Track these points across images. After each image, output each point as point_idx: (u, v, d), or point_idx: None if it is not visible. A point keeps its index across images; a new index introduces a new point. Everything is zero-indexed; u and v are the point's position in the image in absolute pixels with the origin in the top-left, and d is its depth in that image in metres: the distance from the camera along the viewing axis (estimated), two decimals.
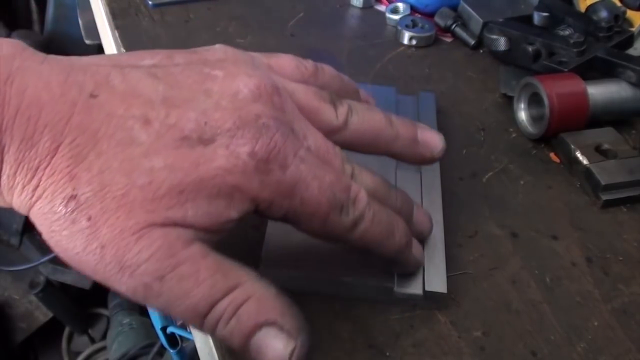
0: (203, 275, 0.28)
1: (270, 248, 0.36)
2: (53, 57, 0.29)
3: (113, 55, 0.31)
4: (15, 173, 0.27)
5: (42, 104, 0.27)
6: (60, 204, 0.27)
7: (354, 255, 0.36)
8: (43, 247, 1.28)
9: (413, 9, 0.62)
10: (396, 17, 0.61)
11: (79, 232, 0.27)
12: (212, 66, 0.31)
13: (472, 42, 0.59)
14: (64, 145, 0.27)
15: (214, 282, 0.28)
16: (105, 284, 0.28)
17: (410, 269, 0.36)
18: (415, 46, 0.58)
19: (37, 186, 0.27)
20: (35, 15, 1.42)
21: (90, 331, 1.38)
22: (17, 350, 1.34)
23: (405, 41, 0.59)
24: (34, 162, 0.27)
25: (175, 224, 0.28)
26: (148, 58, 0.31)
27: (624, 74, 0.50)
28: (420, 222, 0.37)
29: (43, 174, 0.27)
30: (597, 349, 0.35)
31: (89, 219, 0.27)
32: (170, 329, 0.66)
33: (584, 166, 0.45)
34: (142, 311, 1.28)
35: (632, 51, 0.54)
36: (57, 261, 1.26)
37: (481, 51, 0.59)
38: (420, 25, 0.59)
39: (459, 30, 0.60)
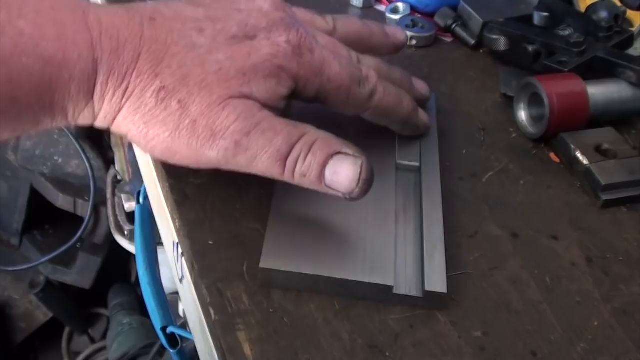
0: (279, 127, 0.35)
1: (270, 248, 0.36)
2: (106, 3, 0.38)
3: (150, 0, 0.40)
4: (107, 79, 0.34)
5: (118, 26, 0.34)
6: (151, 96, 0.34)
7: (354, 255, 0.37)
8: (43, 247, 1.28)
9: (413, 9, 0.62)
10: (396, 17, 0.61)
11: (171, 115, 0.34)
12: None
13: (472, 42, 0.59)
14: (143, 53, 0.34)
15: (289, 130, 0.35)
16: (195, 157, 0.35)
17: (422, 131, 0.44)
18: (415, 46, 0.58)
19: (127, 87, 0.34)
20: None
21: (90, 331, 1.38)
22: (17, 350, 1.35)
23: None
24: (123, 68, 0.34)
25: (247, 97, 0.35)
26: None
27: (624, 74, 0.50)
28: (420, 89, 0.45)
29: (131, 77, 0.34)
30: (597, 349, 0.35)
31: (179, 101, 0.34)
32: (170, 329, 0.66)
33: (584, 166, 0.45)
34: (142, 311, 1.28)
35: (632, 51, 0.54)
36: (56, 261, 1.26)
37: (481, 51, 0.59)
38: (420, 25, 0.59)
39: (459, 30, 0.60)
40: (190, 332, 0.53)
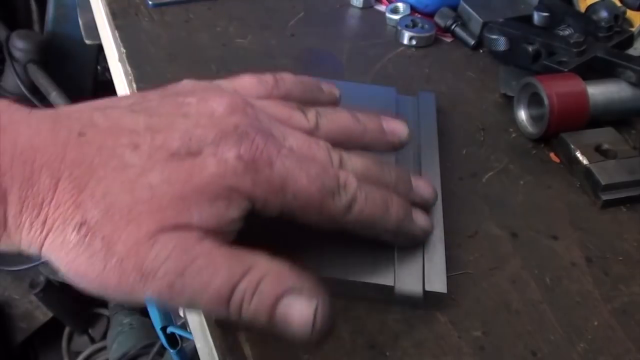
0: (219, 263, 0.29)
1: (270, 247, 0.36)
2: (37, 110, 0.32)
3: (90, 102, 0.34)
4: (20, 211, 0.29)
5: (36, 148, 0.29)
6: (72, 231, 0.29)
7: (354, 255, 0.37)
8: None
9: (413, 9, 0.62)
10: (396, 17, 0.61)
11: (96, 254, 0.29)
12: (184, 95, 0.34)
13: (472, 42, 0.59)
14: (63, 179, 0.29)
15: (231, 267, 0.30)
16: (130, 297, 0.30)
17: (419, 239, 0.38)
18: (415, 46, 0.58)
19: (46, 220, 0.29)
20: (35, 15, 1.42)
21: (90, 331, 1.38)
22: (17, 350, 1.34)
23: (405, 41, 0.59)
24: (38, 199, 0.29)
25: (184, 227, 0.30)
26: (124, 100, 0.34)
27: (624, 74, 0.50)
28: (422, 190, 0.38)
29: (49, 208, 0.29)
30: (597, 349, 0.35)
31: (103, 239, 0.29)
32: (170, 329, 0.66)
33: (584, 166, 0.45)
34: (143, 311, 1.28)
35: (632, 51, 0.54)
36: None
37: (481, 51, 0.59)
38: (420, 25, 0.59)
39: (459, 30, 0.60)
40: (190, 332, 0.53)
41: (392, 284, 0.36)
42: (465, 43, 0.59)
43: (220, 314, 0.30)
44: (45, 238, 0.30)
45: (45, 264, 1.25)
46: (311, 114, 0.36)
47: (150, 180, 0.30)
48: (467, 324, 0.36)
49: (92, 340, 1.37)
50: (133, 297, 0.30)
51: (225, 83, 0.36)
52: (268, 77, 0.37)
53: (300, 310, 0.29)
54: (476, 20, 0.59)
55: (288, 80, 0.38)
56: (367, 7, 0.63)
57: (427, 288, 0.35)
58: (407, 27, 0.59)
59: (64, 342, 1.36)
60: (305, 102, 0.37)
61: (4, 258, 1.29)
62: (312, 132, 0.35)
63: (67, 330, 1.37)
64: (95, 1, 0.64)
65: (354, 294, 0.36)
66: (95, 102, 0.33)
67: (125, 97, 0.34)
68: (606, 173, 0.45)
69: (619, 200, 0.44)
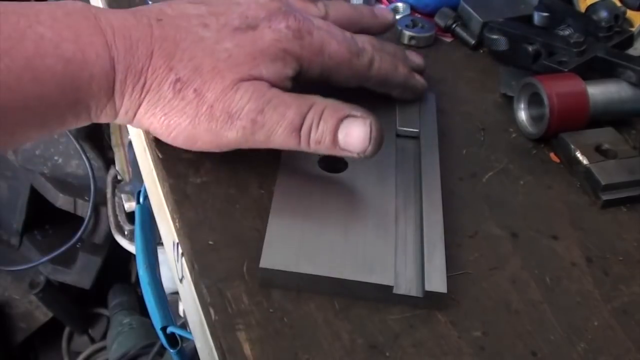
0: (289, 101, 0.38)
1: (270, 247, 0.36)
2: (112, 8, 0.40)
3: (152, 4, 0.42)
4: (125, 77, 0.36)
5: (129, 27, 0.37)
6: (168, 88, 0.37)
7: (354, 255, 0.37)
8: (43, 247, 1.28)
9: (413, 9, 0.62)
10: (396, 17, 0.61)
11: (189, 104, 0.37)
12: None
13: (472, 42, 0.59)
14: (156, 50, 0.37)
15: (299, 102, 0.38)
16: (216, 140, 0.38)
17: (421, 92, 0.47)
18: (415, 46, 0.58)
19: (145, 83, 0.37)
20: None
21: (90, 331, 1.38)
22: (17, 350, 1.35)
23: (405, 41, 0.59)
24: (138, 65, 0.37)
25: (256, 79, 0.38)
26: None
27: (624, 74, 0.50)
28: (413, 59, 0.48)
29: (147, 72, 0.37)
30: (597, 349, 0.35)
31: (195, 90, 0.37)
32: (170, 329, 0.66)
33: (584, 166, 0.45)
34: (142, 311, 1.28)
35: (632, 51, 0.54)
36: (56, 261, 1.26)
37: (481, 51, 0.59)
38: (420, 25, 0.59)
39: (459, 30, 0.59)
40: (190, 332, 0.53)
41: (391, 284, 0.36)
42: (465, 43, 0.59)
43: (293, 143, 0.38)
44: (143, 99, 0.37)
45: (46, 264, 1.25)
46: (320, 4, 0.45)
47: (225, 45, 0.38)
48: (467, 324, 0.36)
49: (92, 340, 1.37)
50: (219, 139, 0.37)
51: None
52: None
53: (358, 128, 0.37)
54: (476, 20, 0.59)
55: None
56: None
57: (427, 288, 0.35)
58: (407, 27, 0.59)
59: (64, 342, 1.36)
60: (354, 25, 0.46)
61: (4, 258, 1.29)
62: (324, 18, 0.44)
63: (67, 330, 1.37)
64: (95, 1, 0.64)
65: (354, 294, 0.36)
66: (158, 3, 0.41)
67: None
68: (606, 173, 0.45)
69: (619, 200, 0.44)
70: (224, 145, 0.38)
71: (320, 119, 0.37)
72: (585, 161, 0.45)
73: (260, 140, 0.38)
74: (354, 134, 0.37)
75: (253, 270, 0.36)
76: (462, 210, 0.42)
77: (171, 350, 0.66)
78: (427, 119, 0.47)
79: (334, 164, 0.42)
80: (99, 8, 0.38)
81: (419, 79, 0.47)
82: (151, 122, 0.38)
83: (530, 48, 0.52)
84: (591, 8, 0.54)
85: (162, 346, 0.97)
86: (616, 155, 0.46)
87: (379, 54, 0.43)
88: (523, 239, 0.41)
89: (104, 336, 1.35)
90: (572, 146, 0.46)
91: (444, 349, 0.34)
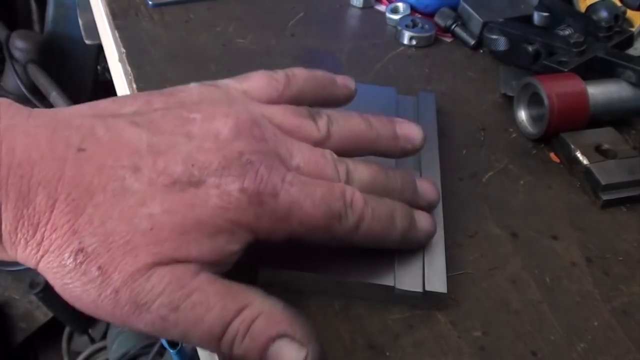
0: (213, 300, 0.29)
1: (270, 248, 0.36)
2: (37, 111, 0.30)
3: (93, 103, 0.32)
4: (16, 229, 0.29)
5: (33, 162, 0.28)
6: (69, 257, 0.29)
7: (354, 255, 0.37)
8: None
9: (413, 9, 0.62)
10: (396, 17, 0.61)
11: (92, 282, 0.29)
12: (189, 109, 0.32)
13: (472, 42, 0.59)
14: (60, 201, 0.28)
15: (224, 304, 0.29)
16: (123, 326, 0.30)
17: (423, 243, 0.37)
18: (415, 46, 0.58)
19: (42, 241, 0.29)
20: (35, 15, 1.42)
21: (90, 331, 1.37)
22: (17, 350, 1.34)
23: (405, 41, 0.59)
24: (34, 219, 0.28)
25: (180, 261, 0.29)
26: (128, 105, 0.32)
27: (624, 74, 0.50)
28: (426, 193, 0.38)
29: (45, 229, 0.29)
30: (597, 349, 0.35)
31: (99, 268, 0.29)
32: None
33: (584, 166, 0.45)
34: None
35: (632, 51, 0.54)
36: None
37: (481, 51, 0.59)
38: (420, 25, 0.59)
39: (459, 30, 0.60)
40: None
41: (392, 284, 0.36)
42: (465, 43, 0.59)
43: (212, 350, 0.30)
44: (40, 259, 0.29)
45: None
46: (322, 121, 0.35)
47: (150, 210, 0.29)
48: (467, 324, 0.36)
49: (92, 340, 1.37)
50: (126, 326, 0.30)
51: (234, 84, 0.35)
52: (279, 75, 0.36)
53: (290, 357, 0.29)
54: (476, 20, 0.59)
55: (300, 77, 0.37)
56: (367, 7, 0.63)
57: (427, 288, 0.35)
58: (407, 27, 0.59)
59: (64, 342, 1.36)
60: (319, 99, 0.37)
61: None
62: (322, 142, 0.35)
63: (67, 330, 1.37)
64: (95, 1, 0.64)
65: (354, 294, 0.36)
66: (97, 106, 0.32)
67: (129, 101, 0.33)
68: (606, 173, 0.45)
69: (619, 200, 0.44)
70: (135, 331, 0.30)
71: (247, 331, 0.29)
72: (585, 161, 0.45)
73: (174, 337, 0.30)
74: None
75: (253, 270, 0.36)
76: (462, 210, 0.42)
77: (171, 350, 0.67)
78: (427, 119, 0.47)
79: None
80: (16, 115, 0.30)
81: (423, 226, 0.36)
82: (53, 283, 0.30)
83: (530, 48, 0.52)
84: (591, 8, 0.54)
85: (162, 346, 0.97)
86: (616, 155, 0.46)
87: (372, 205, 0.34)
88: (523, 239, 0.41)
89: (104, 336, 1.35)
90: (572, 146, 0.46)
91: (444, 349, 0.34)
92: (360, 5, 0.63)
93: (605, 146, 0.47)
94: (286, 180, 0.31)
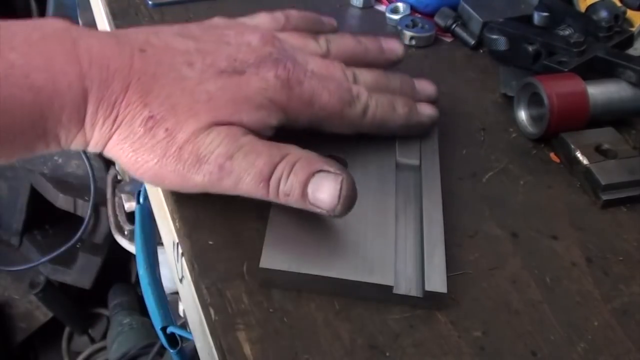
0: (261, 149, 0.36)
1: (270, 247, 0.37)
2: (97, 30, 0.38)
3: (140, 27, 0.39)
4: (97, 109, 0.35)
5: (109, 56, 0.35)
6: (140, 124, 0.35)
7: (354, 254, 0.37)
8: (43, 247, 1.28)
9: (413, 9, 0.62)
10: (396, 17, 0.61)
11: (159, 143, 0.35)
12: (222, 28, 0.40)
13: (472, 42, 0.59)
14: (133, 83, 0.35)
15: (271, 152, 0.36)
16: (182, 182, 0.36)
17: (427, 125, 0.44)
18: (415, 46, 0.58)
19: (117, 117, 0.35)
20: (35, 15, 1.42)
21: (90, 331, 1.38)
22: (17, 350, 1.35)
23: (406, 41, 0.59)
24: (112, 98, 0.35)
25: (233, 124, 0.36)
26: (167, 28, 0.39)
27: (624, 74, 0.50)
28: (424, 89, 0.46)
29: (120, 107, 0.35)
30: (597, 349, 0.35)
31: (166, 129, 0.35)
32: (170, 329, 0.66)
33: (584, 166, 0.45)
34: (142, 311, 1.28)
35: (632, 51, 0.54)
36: (56, 261, 1.26)
37: (481, 51, 0.59)
38: (420, 25, 0.59)
39: (459, 30, 0.60)
40: (190, 332, 0.53)
41: (391, 284, 0.36)
42: (465, 43, 0.59)
43: (261, 193, 0.36)
44: (114, 132, 0.35)
45: (46, 264, 1.25)
46: (322, 41, 0.43)
47: (207, 87, 0.36)
48: (467, 324, 0.36)
49: (92, 340, 1.37)
50: (185, 182, 0.36)
51: (247, 20, 0.43)
52: (278, 15, 0.44)
53: (328, 184, 0.35)
54: (476, 20, 0.59)
55: (295, 15, 0.44)
56: (367, 7, 0.63)
57: (427, 288, 0.35)
58: (407, 27, 0.59)
59: (64, 342, 1.36)
60: (312, 32, 0.44)
61: (4, 258, 1.29)
62: (325, 56, 0.42)
63: (67, 330, 1.37)
64: (95, 1, 0.64)
65: (353, 294, 0.36)
66: (146, 27, 0.39)
67: (168, 26, 0.40)
68: (606, 173, 0.45)
69: (619, 200, 0.44)
70: (191, 188, 0.36)
71: (291, 171, 0.35)
72: (585, 161, 0.45)
73: (227, 186, 0.36)
74: (324, 190, 0.35)
75: (253, 270, 0.36)
76: (462, 210, 0.42)
77: (171, 350, 0.66)
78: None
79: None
80: (81, 29, 0.36)
81: (424, 112, 0.44)
82: (119, 155, 0.36)
83: (530, 48, 0.52)
84: (591, 8, 0.54)
85: (162, 346, 0.97)
86: (616, 155, 0.46)
87: (375, 97, 0.41)
88: (523, 239, 0.41)
89: (104, 336, 1.35)
90: (572, 146, 0.46)
91: (444, 349, 0.34)
92: (360, 5, 0.63)
93: (605, 146, 0.47)
94: (307, 75, 0.39)
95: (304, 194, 0.35)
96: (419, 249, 0.38)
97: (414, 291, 0.36)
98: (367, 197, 0.40)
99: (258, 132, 0.37)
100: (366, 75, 0.42)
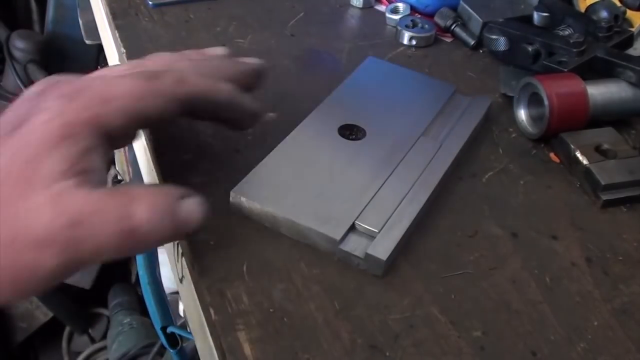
0: (104, 208, 0.30)
1: (251, 179, 0.39)
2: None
3: None
4: None
5: None
6: None
7: (321, 204, 0.38)
8: None
9: (413, 9, 0.62)
10: (396, 17, 0.61)
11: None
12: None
13: (472, 42, 0.59)
14: None
15: (116, 206, 0.30)
16: (33, 277, 0.29)
17: (253, 111, 0.39)
18: (415, 46, 0.58)
19: None
20: (35, 15, 1.42)
21: (90, 331, 1.37)
22: (17, 350, 1.34)
23: (405, 41, 0.59)
24: None
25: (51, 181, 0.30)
26: None
27: (624, 74, 0.50)
28: (247, 63, 0.41)
29: None
30: (597, 349, 0.35)
31: None
32: (170, 329, 0.66)
33: (584, 166, 0.45)
34: (142, 311, 1.28)
35: (632, 51, 0.54)
36: None
37: (481, 51, 0.59)
38: (420, 25, 0.59)
39: (459, 30, 0.60)
40: (190, 332, 0.53)
41: (337, 238, 0.37)
42: (465, 43, 0.59)
43: (129, 246, 0.30)
44: None
45: None
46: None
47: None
48: (467, 323, 0.36)
49: (92, 340, 1.37)
50: (38, 276, 0.29)
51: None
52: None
53: (195, 205, 0.32)
54: (476, 20, 0.59)
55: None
56: (367, 7, 0.63)
57: (368, 251, 0.36)
58: (407, 27, 0.59)
59: (64, 342, 1.36)
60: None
61: None
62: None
63: (67, 330, 1.37)
64: (96, 1, 0.64)
65: (306, 240, 0.38)
66: None
67: None
68: (606, 173, 0.45)
69: (619, 200, 0.44)
70: (47, 279, 0.30)
71: (148, 215, 0.30)
72: (585, 161, 0.45)
73: (85, 257, 0.30)
74: (194, 212, 0.32)
75: (253, 270, 0.36)
76: (462, 209, 0.42)
77: (171, 350, 0.67)
78: (467, 122, 0.47)
79: (354, 133, 0.45)
80: None
81: (249, 98, 0.39)
82: None
83: (530, 48, 0.52)
84: (591, 8, 0.54)
85: (162, 346, 0.97)
86: (616, 155, 0.46)
87: (190, 71, 0.36)
88: (523, 239, 0.41)
89: (104, 336, 1.35)
90: (572, 146, 0.46)
91: (444, 349, 0.34)
92: (360, 5, 0.63)
93: (605, 146, 0.47)
94: (95, 76, 0.35)
95: (176, 228, 0.31)
96: (387, 218, 0.39)
97: (357, 251, 0.37)
98: (365, 162, 0.42)
99: (84, 166, 0.31)
100: (170, 59, 0.39)
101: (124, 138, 0.34)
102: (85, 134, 0.31)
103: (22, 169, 0.29)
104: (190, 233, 0.33)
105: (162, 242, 0.33)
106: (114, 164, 1.22)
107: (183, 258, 0.39)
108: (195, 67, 0.38)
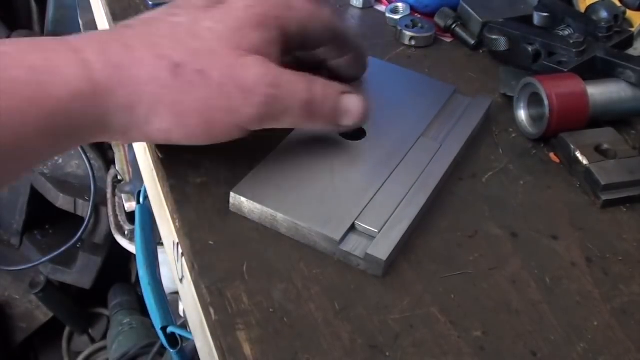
0: (293, 76, 0.38)
1: (252, 178, 0.39)
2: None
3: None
4: (106, 81, 0.34)
5: (98, 40, 0.36)
6: (167, 75, 0.35)
7: (320, 205, 0.39)
8: (43, 247, 1.28)
9: (413, 9, 0.62)
10: (396, 17, 0.61)
11: (195, 86, 0.35)
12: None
13: (472, 42, 0.59)
14: (134, 43, 0.35)
15: (302, 78, 0.38)
16: (233, 121, 0.36)
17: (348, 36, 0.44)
18: (415, 46, 0.58)
19: (132, 77, 0.34)
20: (35, 15, 1.42)
21: (90, 331, 1.38)
22: (17, 350, 1.35)
23: (405, 41, 0.59)
24: (116, 59, 0.34)
25: (252, 51, 0.36)
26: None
27: (624, 74, 0.50)
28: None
29: (133, 67, 0.34)
30: (597, 349, 0.35)
31: (198, 72, 0.35)
32: (170, 329, 0.66)
33: (584, 166, 0.45)
34: (142, 311, 1.28)
35: (632, 51, 0.54)
36: (57, 261, 1.26)
37: (481, 51, 0.59)
38: (420, 25, 0.59)
39: (458, 31, 0.60)
40: (190, 332, 0.53)
41: (337, 238, 0.37)
42: (465, 43, 0.59)
43: (302, 118, 0.38)
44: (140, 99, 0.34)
45: (46, 264, 1.25)
46: None
47: (204, 25, 0.36)
48: (467, 324, 0.36)
49: (92, 340, 1.37)
50: (235, 119, 0.36)
51: None
52: None
53: (354, 101, 0.39)
54: (476, 20, 0.59)
55: None
56: (367, 7, 0.63)
57: (368, 251, 0.36)
58: (407, 27, 0.59)
59: (64, 342, 1.36)
60: None
61: (4, 258, 1.29)
62: None
63: (67, 330, 1.37)
64: (96, 1, 0.64)
65: (305, 241, 0.38)
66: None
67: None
68: (606, 173, 0.45)
69: (619, 200, 0.44)
70: (243, 124, 0.36)
71: (323, 94, 0.38)
72: (585, 161, 0.45)
73: (275, 114, 0.37)
74: (352, 106, 0.39)
75: (253, 270, 0.36)
76: (462, 210, 0.42)
77: (171, 350, 0.66)
78: (467, 123, 0.47)
79: (354, 133, 0.44)
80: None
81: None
82: (164, 115, 0.35)
83: (530, 48, 0.52)
84: (591, 8, 0.54)
85: (162, 346, 0.97)
86: (616, 155, 0.46)
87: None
88: (523, 239, 0.41)
89: (104, 336, 1.35)
90: (572, 146, 0.46)
91: (444, 349, 0.34)
92: (360, 6, 0.63)
93: (605, 146, 0.47)
94: None
95: (337, 113, 0.39)
96: (386, 219, 0.39)
97: (357, 252, 0.37)
98: (365, 162, 0.42)
99: (270, 51, 0.37)
100: None
101: (286, 49, 0.39)
102: (273, 27, 0.37)
103: (231, 34, 0.36)
104: (350, 127, 0.40)
105: (324, 124, 0.40)
106: (114, 163, 1.22)
107: (183, 258, 0.39)
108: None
